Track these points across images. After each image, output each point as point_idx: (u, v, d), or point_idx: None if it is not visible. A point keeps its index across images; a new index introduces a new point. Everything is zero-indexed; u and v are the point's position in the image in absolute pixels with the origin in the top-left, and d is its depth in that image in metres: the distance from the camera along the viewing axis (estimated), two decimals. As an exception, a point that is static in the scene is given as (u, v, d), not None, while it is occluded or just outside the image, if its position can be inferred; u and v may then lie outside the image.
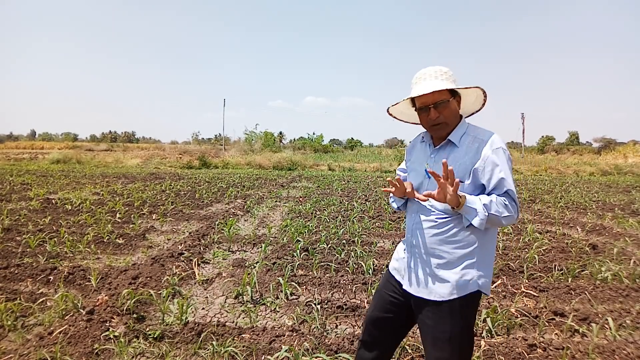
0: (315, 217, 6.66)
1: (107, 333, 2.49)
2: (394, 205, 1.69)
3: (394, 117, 1.67)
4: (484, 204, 1.34)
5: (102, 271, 3.65)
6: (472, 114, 1.63)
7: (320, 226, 5.87)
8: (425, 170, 1.51)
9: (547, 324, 2.78)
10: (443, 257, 1.44)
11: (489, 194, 1.40)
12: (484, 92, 1.49)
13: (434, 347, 1.45)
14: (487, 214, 1.34)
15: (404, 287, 1.55)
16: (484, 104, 1.55)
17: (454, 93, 1.46)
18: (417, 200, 1.48)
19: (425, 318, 1.47)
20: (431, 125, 1.47)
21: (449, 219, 1.44)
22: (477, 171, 1.40)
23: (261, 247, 4.69)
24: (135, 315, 2.76)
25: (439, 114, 1.43)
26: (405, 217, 1.68)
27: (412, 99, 1.51)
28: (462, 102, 1.52)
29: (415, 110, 1.52)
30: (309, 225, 5.84)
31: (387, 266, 1.72)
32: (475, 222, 1.35)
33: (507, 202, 1.37)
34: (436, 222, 1.46)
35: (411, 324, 1.62)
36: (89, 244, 4.56)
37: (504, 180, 1.37)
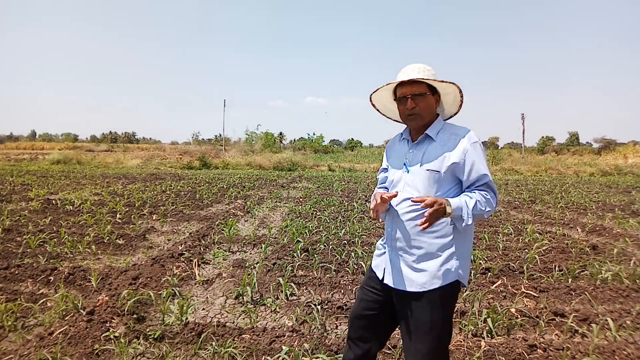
0: (315, 217, 6.66)
1: (107, 333, 2.49)
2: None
3: (377, 110, 1.73)
4: (471, 208, 1.41)
5: (102, 272, 3.65)
6: (451, 117, 1.68)
7: (321, 227, 5.87)
8: (405, 164, 1.58)
9: (547, 324, 2.78)
10: (422, 248, 1.48)
11: (468, 187, 1.48)
12: (461, 92, 1.54)
13: (413, 338, 1.48)
14: (472, 218, 1.41)
15: (384, 280, 1.58)
16: (460, 106, 1.61)
17: (432, 90, 1.52)
18: (395, 192, 1.53)
19: (405, 310, 1.51)
20: (407, 115, 1.54)
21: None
22: (456, 165, 1.46)
23: (261, 247, 4.69)
24: (135, 316, 2.76)
25: (415, 105, 1.49)
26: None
27: (395, 93, 1.58)
28: (442, 102, 1.59)
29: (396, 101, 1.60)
30: (309, 225, 5.84)
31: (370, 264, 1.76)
32: (461, 226, 1.44)
33: (488, 197, 1.45)
34: (416, 212, 1.49)
35: (396, 319, 1.64)
36: (89, 244, 4.56)
37: (484, 176, 1.46)
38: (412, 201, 1.43)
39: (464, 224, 1.41)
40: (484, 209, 1.42)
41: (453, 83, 1.49)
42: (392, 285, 1.54)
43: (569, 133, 53.59)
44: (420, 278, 1.47)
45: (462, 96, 1.55)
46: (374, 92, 1.63)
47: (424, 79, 1.47)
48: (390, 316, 1.62)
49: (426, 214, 1.36)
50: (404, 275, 1.51)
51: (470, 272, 3.76)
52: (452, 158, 1.46)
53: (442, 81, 1.49)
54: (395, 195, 1.48)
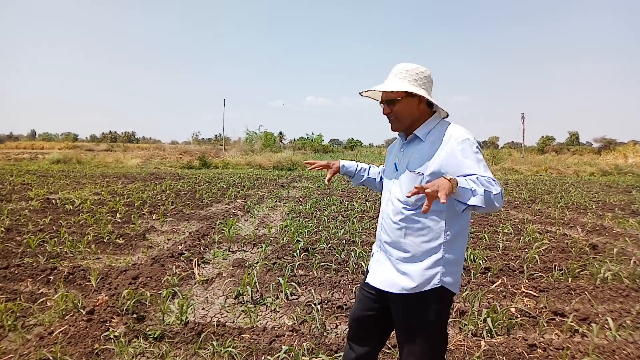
0: (315, 217, 6.66)
1: (107, 333, 2.49)
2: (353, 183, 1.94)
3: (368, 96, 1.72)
4: (476, 178, 1.27)
5: (102, 271, 3.65)
6: (447, 116, 1.64)
7: (320, 226, 5.87)
8: (395, 164, 1.60)
9: (547, 324, 2.78)
10: (408, 251, 1.47)
11: None
12: (419, 97, 1.50)
13: (405, 339, 1.49)
14: (483, 189, 1.23)
15: (367, 280, 1.60)
16: (438, 107, 1.57)
17: (412, 93, 1.48)
18: (386, 193, 1.60)
19: (396, 311, 1.51)
20: (387, 118, 1.59)
21: (415, 212, 1.45)
22: (443, 165, 1.39)
23: (261, 247, 4.70)
24: (135, 315, 2.76)
25: (390, 110, 1.53)
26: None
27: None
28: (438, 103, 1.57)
29: None
30: (309, 225, 5.84)
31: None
32: (473, 200, 1.23)
33: (484, 180, 1.27)
34: (402, 215, 1.48)
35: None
36: (89, 244, 4.56)
37: (473, 175, 1.32)
38: (409, 195, 1.25)
39: (475, 197, 1.22)
40: (490, 186, 1.24)
41: (406, 91, 1.46)
42: (378, 287, 1.54)
43: (569, 133, 53.55)
44: (403, 281, 1.46)
45: (424, 99, 1.50)
46: (361, 93, 1.68)
47: (375, 89, 1.53)
48: (389, 316, 1.61)
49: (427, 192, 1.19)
50: (390, 277, 1.50)
51: (470, 272, 3.76)
52: (438, 159, 1.41)
53: (392, 91, 1.48)
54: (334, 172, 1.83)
